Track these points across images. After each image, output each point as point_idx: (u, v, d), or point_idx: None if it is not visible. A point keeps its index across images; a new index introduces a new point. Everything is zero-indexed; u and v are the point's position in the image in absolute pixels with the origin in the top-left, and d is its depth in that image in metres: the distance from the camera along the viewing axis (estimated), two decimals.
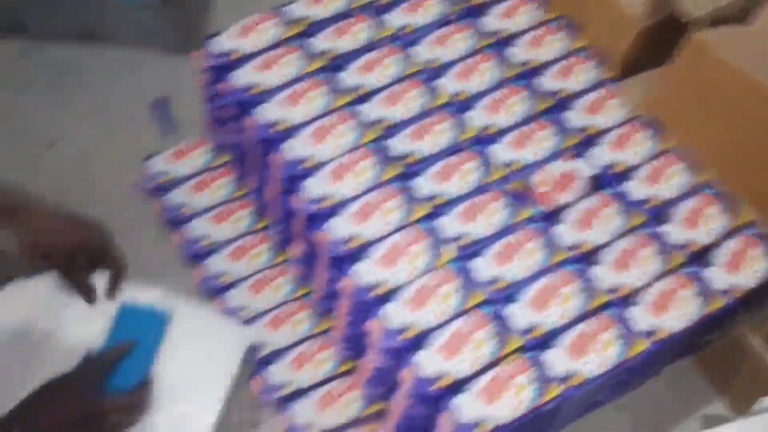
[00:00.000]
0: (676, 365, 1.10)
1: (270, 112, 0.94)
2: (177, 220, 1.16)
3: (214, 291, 1.12)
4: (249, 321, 1.10)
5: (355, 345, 0.97)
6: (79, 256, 0.79)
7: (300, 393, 1.05)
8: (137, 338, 0.78)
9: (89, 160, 1.31)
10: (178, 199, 1.17)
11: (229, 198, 1.18)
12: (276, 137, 0.92)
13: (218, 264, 1.13)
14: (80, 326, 0.84)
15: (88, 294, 0.81)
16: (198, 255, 1.14)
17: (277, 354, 1.07)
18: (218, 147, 1.20)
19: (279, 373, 1.06)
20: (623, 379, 0.91)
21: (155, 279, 1.18)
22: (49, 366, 0.76)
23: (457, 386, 0.81)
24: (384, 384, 0.93)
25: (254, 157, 1.00)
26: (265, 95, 0.94)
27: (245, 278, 1.13)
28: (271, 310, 1.11)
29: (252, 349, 0.99)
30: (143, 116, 1.34)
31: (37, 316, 0.91)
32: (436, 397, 0.81)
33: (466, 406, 0.80)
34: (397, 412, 0.90)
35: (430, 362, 0.82)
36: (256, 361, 1.07)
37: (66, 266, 0.80)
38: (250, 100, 0.95)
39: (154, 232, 1.21)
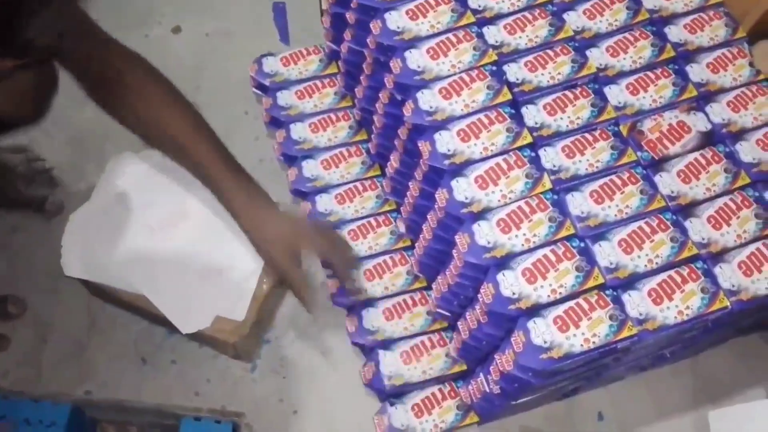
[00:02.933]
0: (745, 340, 1.10)
1: (397, 19, 0.96)
2: (280, 120, 1.20)
3: (305, 193, 1.17)
4: (334, 226, 1.14)
5: (435, 261, 0.99)
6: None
7: (371, 301, 1.09)
8: None
9: (207, 49, 1.36)
10: (285, 101, 1.21)
11: (332, 108, 1.22)
12: (399, 45, 0.94)
13: (312, 168, 1.17)
14: None
15: (305, 300, 0.94)
16: (295, 156, 1.18)
17: None
18: (330, 56, 1.23)
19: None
20: (695, 335, 0.92)
21: (251, 173, 1.24)
22: None
23: (535, 310, 0.83)
24: (457, 302, 0.96)
25: (369, 64, 1.03)
26: (396, 3, 0.96)
27: (336, 186, 1.17)
28: (356, 219, 1.15)
29: None
30: (267, 15, 1.38)
31: None
32: (512, 317, 0.84)
33: (541, 329, 0.82)
34: (467, 329, 0.93)
35: (511, 283, 0.84)
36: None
37: (288, 271, 0.93)
38: (378, 6, 0.97)
39: (257, 127, 1.26)
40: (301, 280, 0.93)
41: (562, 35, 0.96)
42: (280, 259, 0.91)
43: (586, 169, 0.90)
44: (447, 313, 1.01)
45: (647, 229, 0.87)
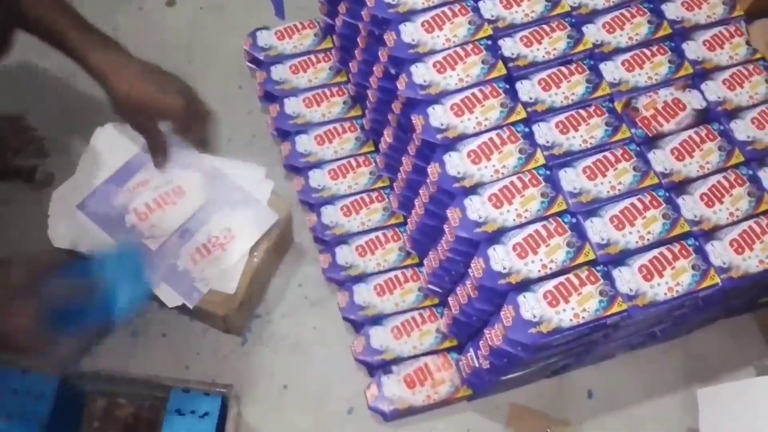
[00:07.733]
0: (735, 320, 1.11)
1: None
2: (274, 95, 1.19)
3: (298, 168, 1.16)
4: (326, 202, 1.14)
5: (427, 237, 0.99)
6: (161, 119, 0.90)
7: (363, 277, 1.09)
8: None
9: (201, 23, 1.35)
10: (279, 75, 1.20)
11: (327, 83, 1.21)
12: (393, 18, 0.93)
13: (306, 143, 1.16)
14: None
15: (158, 156, 0.94)
16: (288, 131, 1.17)
17: (347, 237, 1.11)
18: (325, 30, 1.22)
19: (346, 254, 1.10)
20: (686, 314, 0.92)
21: (244, 148, 1.24)
22: None
23: (525, 285, 0.83)
24: (448, 277, 0.96)
25: (364, 38, 1.02)
26: None
27: (329, 161, 1.16)
28: (349, 195, 1.14)
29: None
30: None
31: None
32: (502, 292, 0.84)
33: (530, 304, 0.82)
34: (458, 305, 0.92)
35: (502, 258, 0.84)
36: (327, 240, 1.11)
37: (143, 128, 0.91)
38: None
39: (251, 102, 1.25)
40: (157, 140, 0.92)
41: (558, 10, 0.95)
42: (138, 121, 0.90)
43: (580, 145, 0.89)
44: (438, 289, 1.01)
45: (639, 206, 0.87)
